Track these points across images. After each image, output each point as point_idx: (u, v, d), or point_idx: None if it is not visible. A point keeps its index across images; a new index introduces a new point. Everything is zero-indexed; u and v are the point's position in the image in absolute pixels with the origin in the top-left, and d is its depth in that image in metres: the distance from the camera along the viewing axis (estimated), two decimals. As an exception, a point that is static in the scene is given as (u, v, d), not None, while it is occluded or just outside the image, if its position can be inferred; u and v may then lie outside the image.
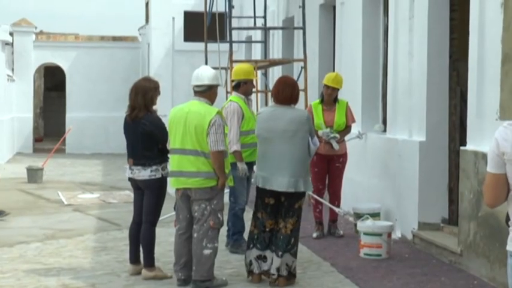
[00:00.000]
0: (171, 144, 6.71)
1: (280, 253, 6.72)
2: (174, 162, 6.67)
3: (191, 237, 6.66)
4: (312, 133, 6.86)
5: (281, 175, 6.66)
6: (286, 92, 6.81)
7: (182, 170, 6.57)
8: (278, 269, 6.72)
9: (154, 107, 7.21)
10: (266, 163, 6.77)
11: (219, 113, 6.60)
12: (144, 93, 7.05)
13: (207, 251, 6.55)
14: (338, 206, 9.12)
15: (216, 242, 6.64)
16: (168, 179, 7.18)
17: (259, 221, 6.87)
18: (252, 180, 7.91)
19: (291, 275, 6.80)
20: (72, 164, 19.88)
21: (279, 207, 6.82)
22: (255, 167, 8.88)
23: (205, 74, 6.73)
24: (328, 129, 8.86)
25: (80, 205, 12.33)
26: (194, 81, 6.74)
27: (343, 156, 9.09)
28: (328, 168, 9.05)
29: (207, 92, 6.71)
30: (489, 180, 3.40)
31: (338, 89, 9.02)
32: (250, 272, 6.92)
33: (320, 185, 9.05)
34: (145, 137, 7.02)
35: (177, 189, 6.73)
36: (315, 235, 9.00)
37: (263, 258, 6.85)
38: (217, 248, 6.67)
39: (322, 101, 9.04)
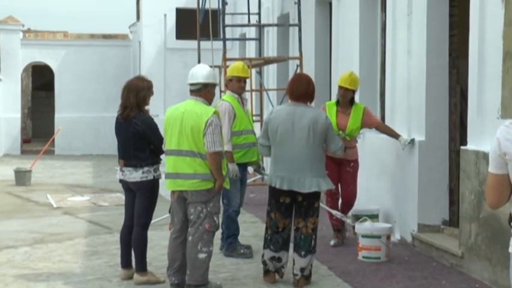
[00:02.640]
0: (166, 145, 6.70)
1: (303, 253, 6.84)
2: (169, 164, 6.65)
3: (185, 241, 6.65)
4: (332, 133, 6.87)
5: (302, 175, 6.72)
6: (302, 88, 6.85)
7: (178, 171, 6.56)
8: (302, 269, 6.85)
9: (146, 107, 7.20)
10: (284, 164, 6.78)
11: (216, 113, 6.58)
12: (137, 92, 7.04)
13: (202, 255, 6.54)
14: (346, 209, 8.80)
15: (211, 245, 6.64)
16: (161, 181, 7.17)
17: (273, 221, 6.93)
18: (264, 180, 7.90)
19: (310, 274, 6.97)
20: (62, 166, 19.84)
21: (294, 206, 6.89)
22: (249, 168, 8.88)
23: (199, 72, 6.72)
24: (405, 139, 8.56)
25: (69, 208, 12.30)
26: (189, 80, 6.74)
27: (354, 162, 8.78)
28: (339, 173, 8.73)
29: (203, 91, 6.69)
30: (491, 181, 3.40)
31: (353, 91, 8.64)
32: (266, 272, 7.01)
33: (333, 189, 8.65)
34: (137, 137, 7.02)
35: (173, 192, 6.72)
36: (332, 243, 8.78)
37: (277, 259, 6.94)
38: (212, 252, 6.67)
39: (337, 103, 8.72)
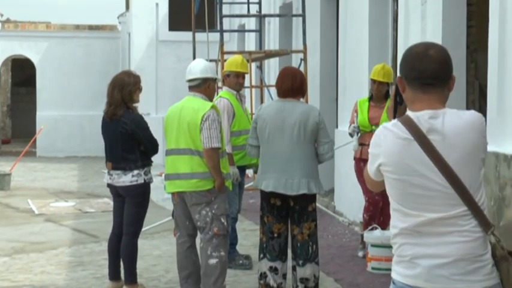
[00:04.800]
0: (167, 145, 6.74)
1: (301, 262, 6.77)
2: (168, 164, 6.70)
3: (193, 247, 6.71)
4: (324, 132, 6.78)
5: (290, 177, 6.68)
6: (286, 83, 6.81)
7: (178, 172, 6.59)
8: (303, 280, 6.77)
9: (135, 104, 7.21)
10: (272, 164, 6.74)
11: (213, 107, 6.62)
12: (121, 88, 7.05)
13: (212, 261, 6.57)
14: (385, 224, 8.50)
15: (223, 250, 6.65)
16: (152, 185, 7.18)
17: (266, 226, 6.88)
18: (252, 183, 7.87)
19: (316, 286, 6.86)
20: (44, 169, 19.85)
21: (287, 210, 6.84)
22: (247, 171, 8.88)
23: (197, 67, 6.76)
24: (357, 125, 8.44)
25: (52, 215, 12.31)
26: (187, 76, 6.78)
27: None
28: None
29: (202, 86, 6.71)
30: (367, 179, 3.39)
31: (387, 84, 8.52)
32: (267, 286, 6.88)
33: (376, 195, 8.43)
34: (126, 137, 7.02)
35: (173, 194, 6.74)
36: (361, 254, 8.69)
37: (274, 270, 6.85)
38: (224, 257, 6.68)
39: (370, 98, 8.62)
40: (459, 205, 3.14)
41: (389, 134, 3.20)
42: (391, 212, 3.27)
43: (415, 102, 3.21)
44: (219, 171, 6.55)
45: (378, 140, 3.24)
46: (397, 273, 3.23)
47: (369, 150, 3.30)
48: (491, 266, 3.17)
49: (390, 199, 3.25)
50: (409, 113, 3.20)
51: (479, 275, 3.13)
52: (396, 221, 3.24)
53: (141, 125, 7.09)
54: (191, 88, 6.74)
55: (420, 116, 3.15)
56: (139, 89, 7.23)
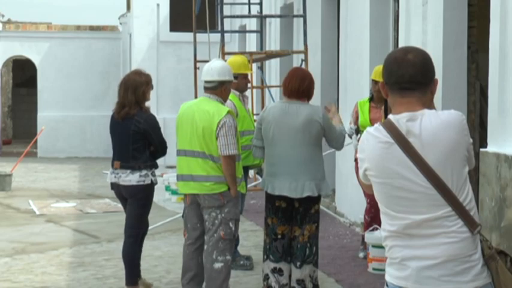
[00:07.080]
0: (178, 145, 6.73)
1: (298, 263, 6.77)
2: (182, 165, 6.67)
3: (200, 249, 6.71)
4: (331, 129, 6.80)
5: (294, 179, 6.68)
6: (293, 85, 6.80)
7: (192, 173, 6.59)
8: (299, 281, 6.75)
9: (147, 103, 7.21)
10: (277, 166, 6.75)
11: (230, 112, 6.58)
12: (135, 89, 7.04)
13: (217, 265, 6.57)
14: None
15: (228, 254, 6.65)
16: (155, 186, 7.18)
17: (270, 228, 6.88)
18: (254, 183, 7.89)
19: (315, 287, 6.86)
20: (45, 169, 19.85)
21: (292, 212, 6.84)
22: (251, 172, 8.89)
23: (215, 68, 6.73)
24: (355, 126, 8.40)
25: (53, 215, 12.31)
26: (204, 76, 6.74)
27: None
28: None
29: (218, 89, 6.69)
30: (361, 182, 3.43)
31: None
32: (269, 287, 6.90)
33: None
34: (138, 136, 7.00)
35: (186, 196, 6.75)
36: (361, 255, 8.71)
37: (279, 271, 6.84)
38: (229, 261, 6.68)
39: (371, 99, 8.58)
40: (443, 206, 3.15)
41: (371, 139, 3.23)
42: (381, 215, 3.29)
43: (395, 105, 3.24)
44: (235, 179, 6.54)
45: (362, 144, 3.28)
46: (389, 274, 3.27)
47: (357, 155, 3.33)
48: (482, 265, 3.17)
49: (378, 203, 3.28)
50: (390, 116, 3.22)
51: (468, 276, 3.14)
52: (385, 224, 3.28)
53: (154, 124, 7.10)
54: (207, 89, 6.71)
55: (400, 119, 3.17)
56: (152, 88, 7.24)
